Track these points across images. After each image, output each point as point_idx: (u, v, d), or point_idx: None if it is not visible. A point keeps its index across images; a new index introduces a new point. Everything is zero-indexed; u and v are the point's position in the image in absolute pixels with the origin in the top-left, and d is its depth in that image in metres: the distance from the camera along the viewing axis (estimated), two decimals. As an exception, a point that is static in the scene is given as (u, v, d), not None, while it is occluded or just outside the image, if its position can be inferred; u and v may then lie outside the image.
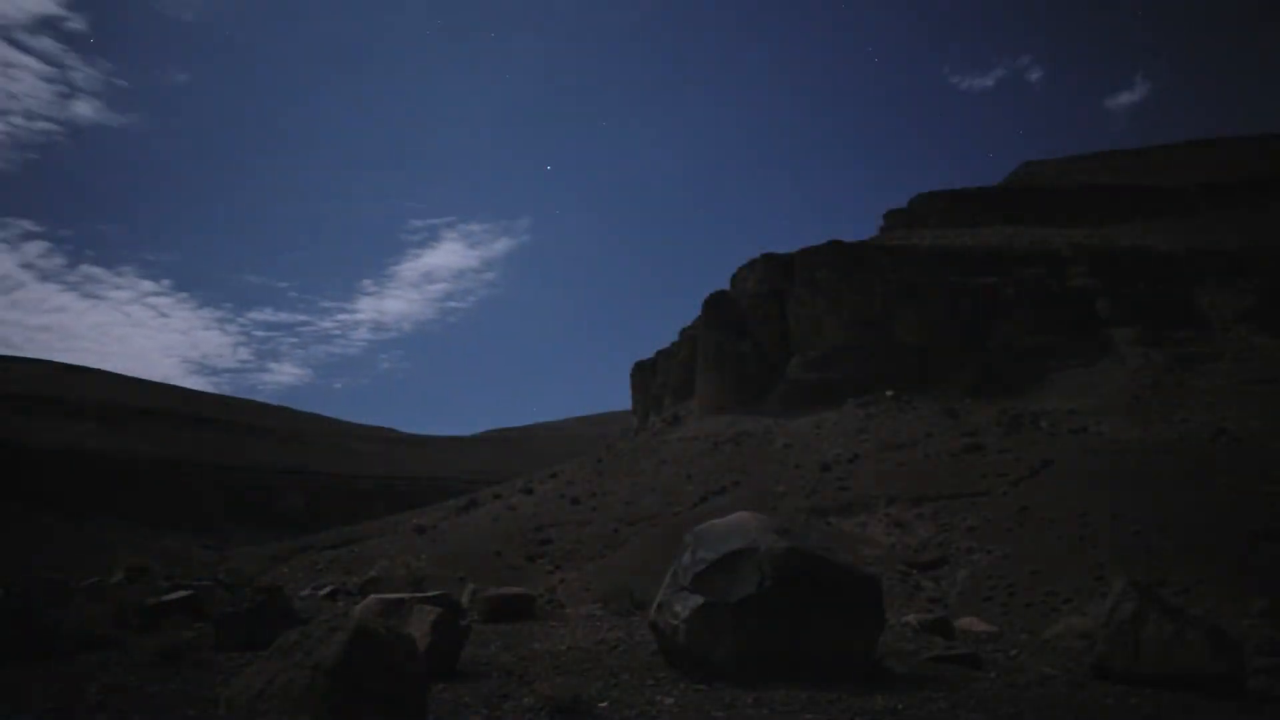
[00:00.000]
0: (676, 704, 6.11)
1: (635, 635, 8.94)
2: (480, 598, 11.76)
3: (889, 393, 73.79)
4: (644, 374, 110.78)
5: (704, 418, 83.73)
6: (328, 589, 18.82)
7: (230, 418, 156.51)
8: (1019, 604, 36.74)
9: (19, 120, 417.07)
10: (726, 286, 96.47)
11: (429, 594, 7.82)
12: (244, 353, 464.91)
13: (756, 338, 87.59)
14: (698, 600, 6.97)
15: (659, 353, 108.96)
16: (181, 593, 11.09)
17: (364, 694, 4.05)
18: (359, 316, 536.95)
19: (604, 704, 6.04)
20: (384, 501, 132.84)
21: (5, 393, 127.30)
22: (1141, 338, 71.18)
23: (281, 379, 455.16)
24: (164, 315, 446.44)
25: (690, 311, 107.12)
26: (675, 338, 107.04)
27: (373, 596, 8.11)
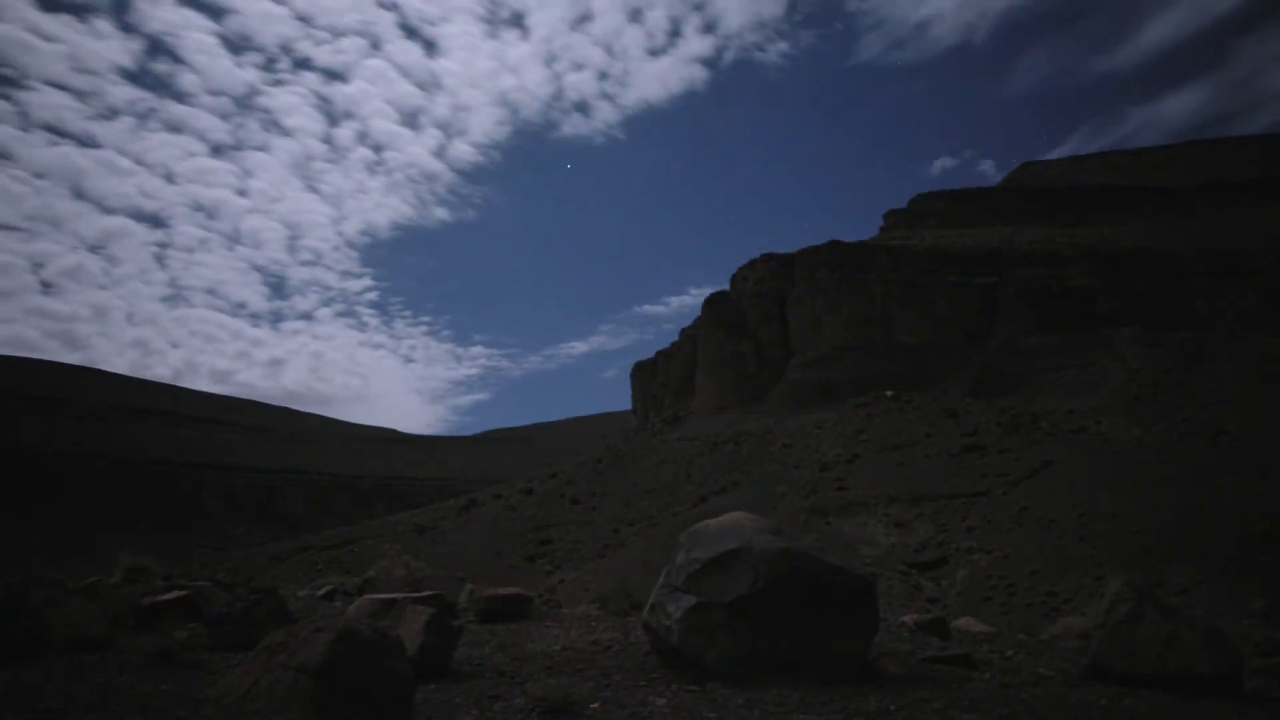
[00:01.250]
0: (668, 705, 6.09)
1: (630, 636, 8.91)
2: (476, 598, 11.72)
3: (888, 393, 73.76)
4: (644, 374, 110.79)
5: (704, 418, 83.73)
6: (325, 589, 18.76)
7: (230, 418, 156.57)
8: (1019, 604, 36.72)
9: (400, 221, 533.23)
10: (726, 286, 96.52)
11: (422, 594, 7.79)
12: (465, 380, 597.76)
13: (756, 338, 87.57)
14: (691, 600, 6.95)
15: (659, 353, 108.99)
16: (176, 593, 11.04)
17: (349, 694, 4.03)
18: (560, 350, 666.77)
19: (595, 705, 6.02)
20: (384, 501, 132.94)
21: (6, 393, 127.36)
22: (1141, 338, 71.07)
23: (475, 398, 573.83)
24: (421, 352, 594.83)
25: (690, 311, 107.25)
26: (675, 337, 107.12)
27: (365, 597, 8.09)
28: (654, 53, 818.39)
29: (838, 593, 6.99)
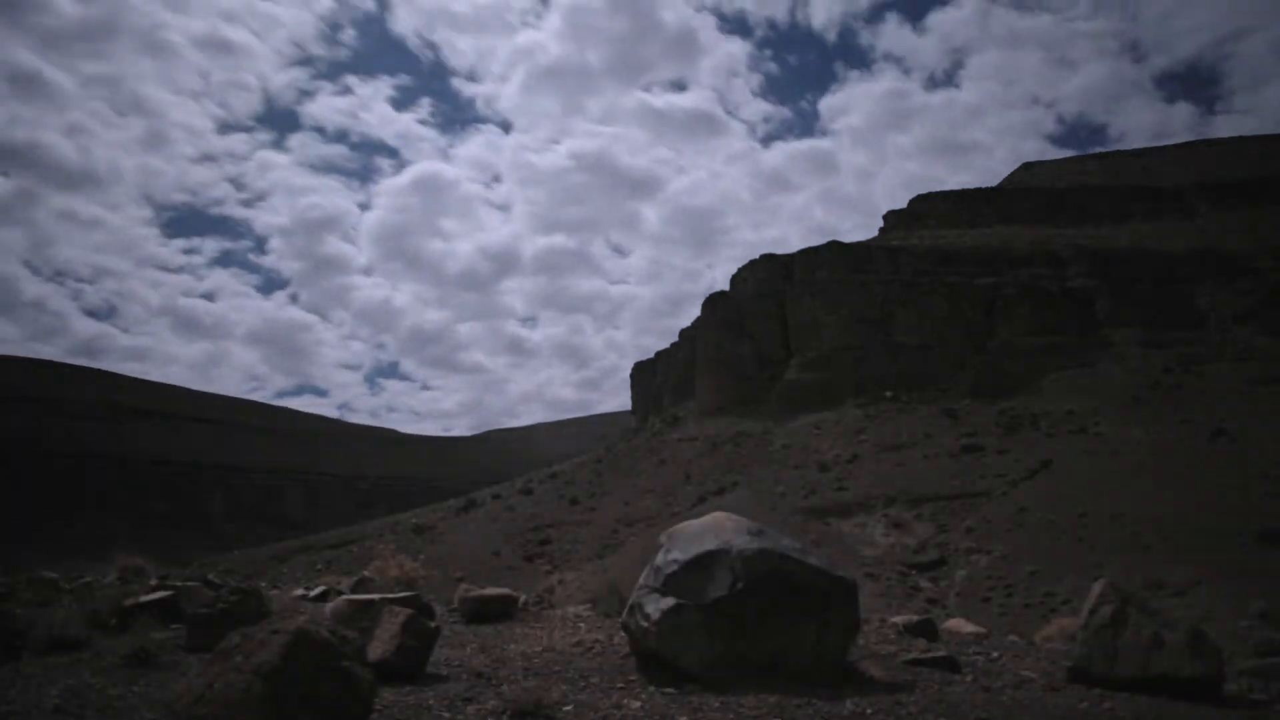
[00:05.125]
0: (642, 708, 6.01)
1: (615, 637, 8.83)
2: (463, 598, 11.66)
3: (888, 393, 73.66)
4: (644, 374, 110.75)
5: (703, 418, 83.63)
6: (319, 589, 18.71)
7: (230, 418, 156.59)
8: (1017, 604, 36.63)
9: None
10: (726, 287, 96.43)
11: (400, 595, 7.74)
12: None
13: (756, 338, 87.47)
14: (669, 602, 6.87)
15: (659, 353, 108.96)
16: (161, 593, 10.97)
17: (303, 697, 3.96)
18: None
19: (568, 708, 5.94)
20: (384, 501, 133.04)
21: (6, 393, 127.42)
22: (1141, 338, 70.98)
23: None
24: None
25: (690, 311, 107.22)
26: (675, 338, 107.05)
27: (342, 598, 8.03)
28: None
29: (818, 594, 6.92)
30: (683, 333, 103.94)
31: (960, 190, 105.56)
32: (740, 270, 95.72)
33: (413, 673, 6.91)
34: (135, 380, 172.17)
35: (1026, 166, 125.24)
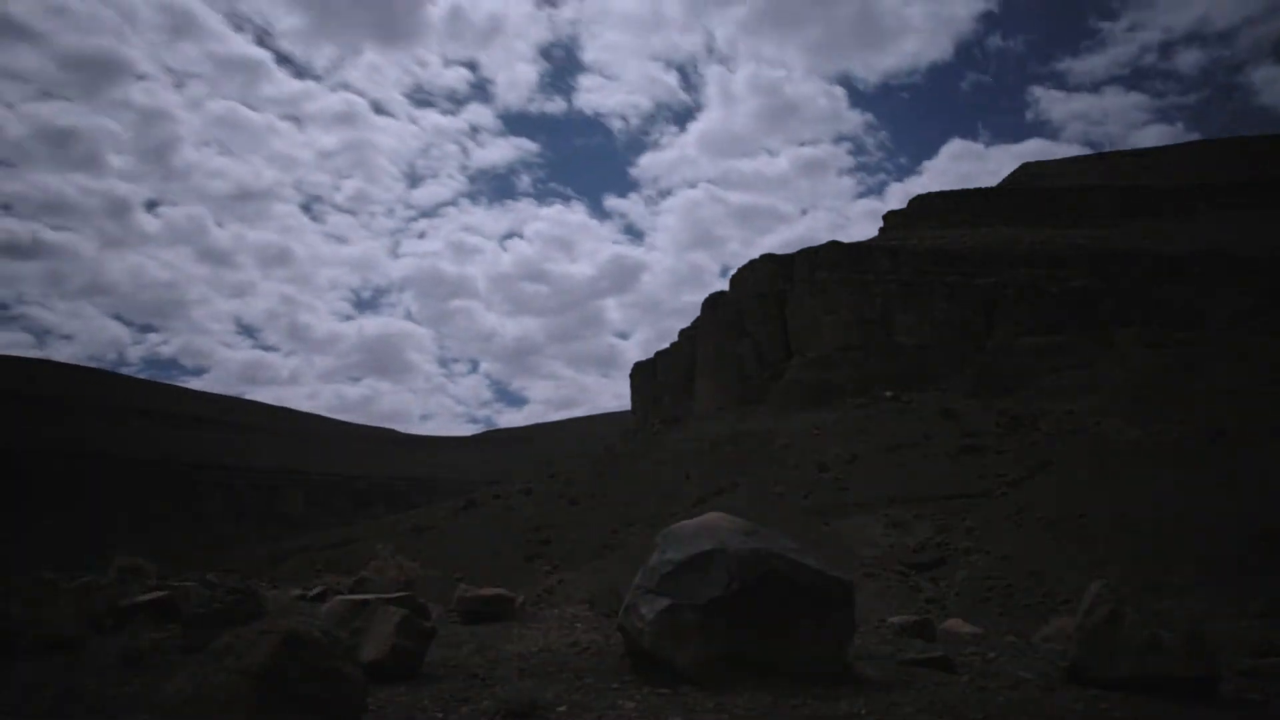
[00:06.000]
0: (637, 709, 5.99)
1: (612, 637, 8.82)
2: (460, 598, 11.66)
3: (888, 393, 73.61)
4: (644, 374, 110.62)
5: (703, 418, 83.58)
6: (318, 590, 18.70)
7: (230, 418, 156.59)
8: (1017, 605, 36.56)
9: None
10: (726, 287, 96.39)
11: (395, 595, 7.72)
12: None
13: (756, 338, 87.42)
14: (664, 602, 6.85)
15: (659, 353, 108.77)
16: (157, 593, 10.97)
17: (292, 698, 3.95)
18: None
19: (562, 708, 5.92)
20: (384, 501, 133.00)
21: (6, 393, 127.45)
22: (1141, 338, 70.92)
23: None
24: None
25: (690, 311, 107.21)
26: (675, 337, 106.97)
27: (338, 599, 8.01)
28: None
29: (813, 595, 6.90)
30: (683, 333, 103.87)
31: (960, 190, 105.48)
32: (740, 270, 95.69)
33: (408, 673, 6.90)
34: (135, 380, 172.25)
35: (1026, 166, 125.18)
